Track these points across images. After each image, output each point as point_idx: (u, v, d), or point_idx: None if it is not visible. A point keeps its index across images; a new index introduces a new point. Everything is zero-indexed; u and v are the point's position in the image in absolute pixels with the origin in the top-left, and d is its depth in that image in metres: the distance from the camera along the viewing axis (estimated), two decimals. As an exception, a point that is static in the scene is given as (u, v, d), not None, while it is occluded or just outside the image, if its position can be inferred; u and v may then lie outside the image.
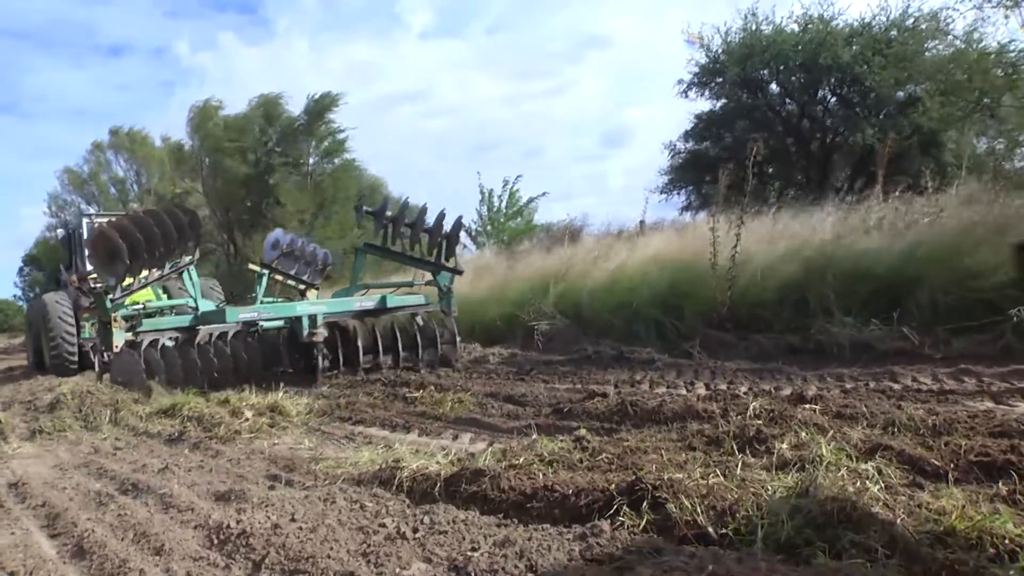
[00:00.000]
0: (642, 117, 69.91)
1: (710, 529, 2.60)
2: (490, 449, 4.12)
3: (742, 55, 17.89)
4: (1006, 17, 13.44)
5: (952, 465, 3.24)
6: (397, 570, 2.61)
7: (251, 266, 10.90)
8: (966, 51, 15.85)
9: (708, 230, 8.73)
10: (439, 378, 7.76)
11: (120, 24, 76.50)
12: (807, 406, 4.50)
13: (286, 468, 4.43)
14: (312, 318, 8.52)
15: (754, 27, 18.18)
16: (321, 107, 25.49)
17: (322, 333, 8.53)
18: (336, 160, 26.60)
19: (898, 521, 2.47)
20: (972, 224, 7.90)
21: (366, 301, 9.06)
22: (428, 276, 9.38)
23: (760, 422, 4.00)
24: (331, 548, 2.79)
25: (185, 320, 8.57)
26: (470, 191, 65.92)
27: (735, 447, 3.64)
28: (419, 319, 9.04)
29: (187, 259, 8.74)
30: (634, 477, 3.07)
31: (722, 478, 3.04)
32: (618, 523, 2.80)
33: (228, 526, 3.12)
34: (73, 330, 11.61)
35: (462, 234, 10.72)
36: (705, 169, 18.70)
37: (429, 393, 6.71)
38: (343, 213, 24.27)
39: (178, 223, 8.25)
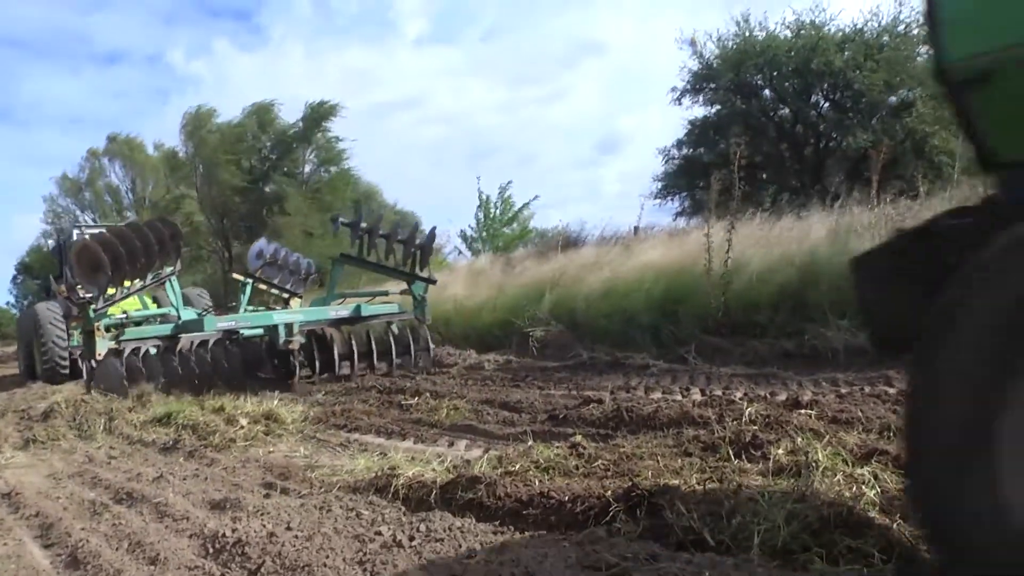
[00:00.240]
0: (637, 123, 69.92)
1: (707, 535, 2.59)
2: (486, 456, 4.11)
3: (735, 60, 18.02)
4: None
5: (947, 469, 3.24)
6: (393, 578, 2.60)
7: (235, 275, 11.10)
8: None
9: (703, 235, 8.75)
10: (434, 385, 7.74)
11: (116, 31, 76.39)
12: (803, 411, 4.49)
13: (281, 476, 4.40)
14: (288, 326, 8.88)
15: (747, 33, 18.31)
16: (318, 115, 25.51)
17: (299, 340, 8.89)
18: (333, 169, 26.62)
19: (894, 526, 2.47)
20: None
21: (341, 310, 9.42)
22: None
23: (756, 427, 3.99)
24: (327, 556, 2.78)
25: (167, 329, 8.81)
26: (465, 199, 65.92)
27: (731, 452, 3.63)
28: (394, 327, 9.40)
29: (168, 270, 9.01)
30: (630, 483, 3.07)
31: (718, 484, 3.04)
32: (614, 529, 2.79)
33: (223, 535, 3.11)
34: (64, 338, 11.77)
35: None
36: (699, 174, 18.80)
37: (424, 400, 6.68)
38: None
39: (159, 236, 8.59)
